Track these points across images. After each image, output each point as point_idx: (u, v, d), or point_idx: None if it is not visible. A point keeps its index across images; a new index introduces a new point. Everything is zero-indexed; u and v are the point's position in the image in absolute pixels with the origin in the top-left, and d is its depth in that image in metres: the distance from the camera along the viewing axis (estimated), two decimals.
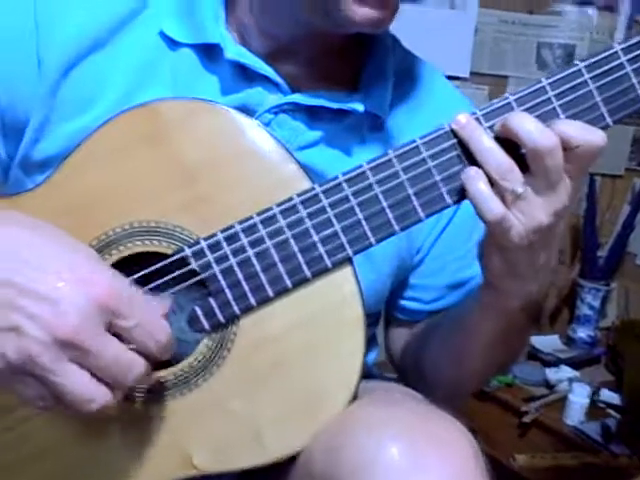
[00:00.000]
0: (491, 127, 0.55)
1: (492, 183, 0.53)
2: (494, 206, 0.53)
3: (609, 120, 0.56)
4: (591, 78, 0.56)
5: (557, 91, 0.55)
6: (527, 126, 0.52)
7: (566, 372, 1.67)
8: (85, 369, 0.48)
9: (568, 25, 1.68)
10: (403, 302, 0.75)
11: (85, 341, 0.47)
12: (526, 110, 0.55)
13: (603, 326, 1.83)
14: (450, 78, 0.78)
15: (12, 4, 0.63)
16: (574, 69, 0.56)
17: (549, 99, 0.55)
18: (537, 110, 0.55)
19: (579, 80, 0.55)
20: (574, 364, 1.71)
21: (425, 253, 0.72)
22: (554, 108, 0.55)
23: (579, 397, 1.56)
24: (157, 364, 0.57)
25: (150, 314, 0.51)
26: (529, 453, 1.51)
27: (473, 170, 0.54)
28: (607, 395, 1.62)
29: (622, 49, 0.55)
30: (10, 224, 0.51)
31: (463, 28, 1.68)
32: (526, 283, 0.59)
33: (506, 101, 0.55)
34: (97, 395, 0.49)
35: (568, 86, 0.55)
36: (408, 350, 0.76)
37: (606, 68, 0.56)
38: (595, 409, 1.58)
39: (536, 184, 0.53)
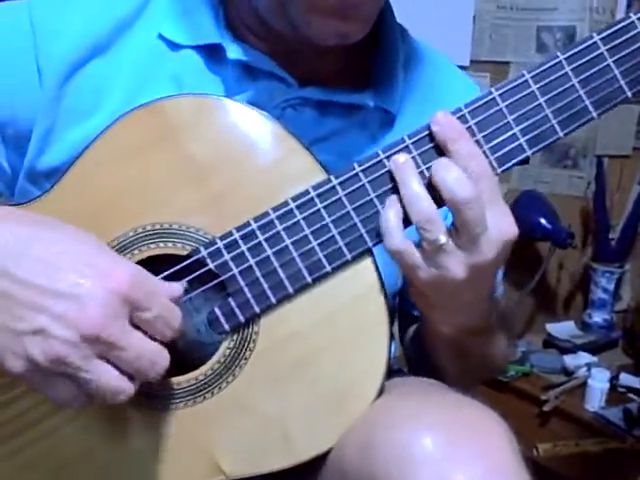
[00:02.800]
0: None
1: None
2: (394, 238, 0.53)
3: (629, 93, 0.55)
4: (608, 50, 0.54)
5: (574, 65, 0.54)
6: (447, 176, 0.51)
7: (584, 358, 1.65)
8: (112, 363, 0.48)
9: (567, 6, 1.66)
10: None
11: (111, 335, 0.47)
12: (544, 86, 0.54)
13: (618, 309, 1.81)
14: None
15: (7, 18, 0.62)
16: (589, 42, 0.54)
17: (566, 74, 0.54)
18: (556, 88, 0.54)
19: (596, 53, 0.54)
20: (591, 349, 1.70)
21: None
22: (573, 85, 0.54)
23: (599, 382, 1.54)
24: (177, 370, 0.56)
25: (167, 303, 0.51)
26: (551, 442, 1.50)
27: (394, 196, 0.54)
28: (627, 379, 1.61)
29: (638, 18, 0.54)
30: (19, 222, 0.50)
31: (461, 16, 1.66)
32: (447, 315, 0.58)
33: (523, 79, 0.54)
34: (125, 387, 0.49)
35: (585, 60, 0.54)
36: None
37: (623, 39, 0.54)
38: (615, 394, 1.57)
39: (458, 236, 0.52)
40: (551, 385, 1.60)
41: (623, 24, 0.54)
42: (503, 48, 1.70)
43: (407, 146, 0.54)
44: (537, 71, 0.54)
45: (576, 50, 0.54)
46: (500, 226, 0.52)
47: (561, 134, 0.54)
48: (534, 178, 1.74)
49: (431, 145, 0.54)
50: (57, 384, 0.48)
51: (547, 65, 0.54)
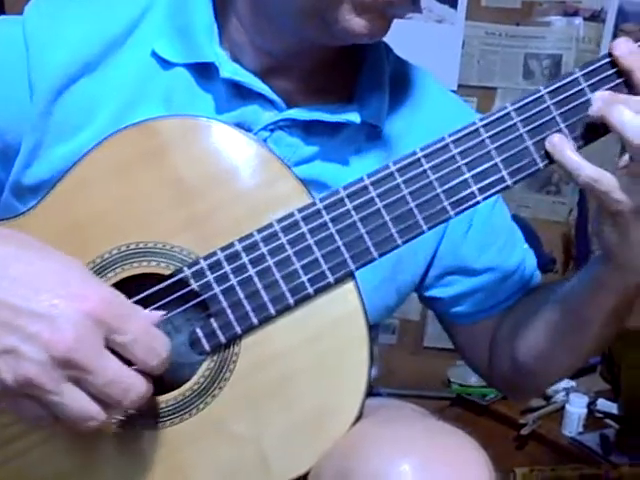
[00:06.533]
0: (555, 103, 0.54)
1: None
2: (587, 169, 0.53)
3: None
4: (588, 86, 0.55)
5: (556, 99, 0.55)
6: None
7: (562, 382, 1.66)
8: (83, 388, 0.47)
9: (555, 35, 1.70)
10: (460, 309, 0.74)
11: (83, 358, 0.46)
12: (526, 119, 0.55)
13: None
14: None
15: (1, 32, 0.63)
16: (571, 78, 0.55)
17: (548, 107, 0.55)
18: (537, 120, 0.55)
19: (577, 88, 0.55)
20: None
21: (456, 257, 0.71)
22: (554, 118, 0.55)
23: (576, 407, 1.55)
24: (156, 389, 0.56)
25: (147, 327, 0.50)
26: (528, 466, 1.50)
27: (557, 137, 0.55)
28: (604, 405, 1.62)
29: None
30: (1, 242, 0.49)
31: (450, 41, 1.69)
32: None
33: (505, 111, 0.55)
34: (95, 414, 0.47)
35: (568, 94, 0.55)
36: (499, 353, 0.74)
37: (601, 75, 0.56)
38: (593, 419, 1.58)
39: None
40: (529, 409, 1.61)
41: (602, 61, 0.55)
42: (491, 74, 1.72)
43: (392, 173, 0.55)
44: (520, 104, 0.55)
45: (559, 84, 0.55)
46: None
47: (541, 165, 0.56)
48: (517, 203, 1.76)
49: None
50: (23, 404, 0.47)
51: (529, 99, 0.55)
